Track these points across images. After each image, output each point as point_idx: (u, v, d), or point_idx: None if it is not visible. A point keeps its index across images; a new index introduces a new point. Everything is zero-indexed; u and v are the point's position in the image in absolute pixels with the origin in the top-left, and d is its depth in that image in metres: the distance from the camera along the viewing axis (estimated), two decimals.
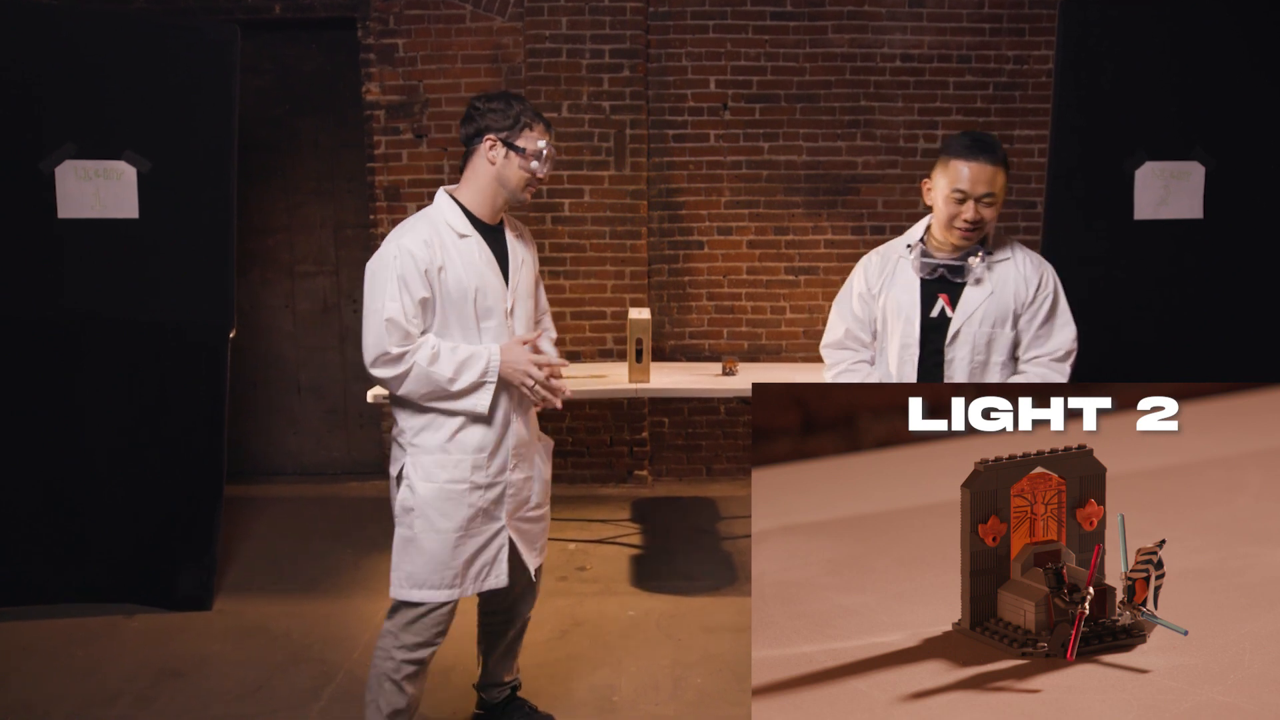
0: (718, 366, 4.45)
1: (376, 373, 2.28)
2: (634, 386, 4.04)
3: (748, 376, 4.30)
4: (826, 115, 4.99)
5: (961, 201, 2.28)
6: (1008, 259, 2.39)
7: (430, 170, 4.99)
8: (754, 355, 5.10)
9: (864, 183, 5.04)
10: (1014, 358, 2.40)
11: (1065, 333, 2.39)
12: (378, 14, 4.88)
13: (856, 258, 5.10)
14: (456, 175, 2.67)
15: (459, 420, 2.34)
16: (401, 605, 2.38)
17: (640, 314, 4.14)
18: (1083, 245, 3.52)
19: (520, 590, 2.60)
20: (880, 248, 2.56)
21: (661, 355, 5.06)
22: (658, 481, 5.22)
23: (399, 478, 2.37)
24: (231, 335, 3.59)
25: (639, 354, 4.02)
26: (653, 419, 5.17)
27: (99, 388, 3.55)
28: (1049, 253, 3.42)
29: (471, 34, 4.90)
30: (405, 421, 2.37)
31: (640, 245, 4.98)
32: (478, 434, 2.36)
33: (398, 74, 4.91)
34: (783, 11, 4.92)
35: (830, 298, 5.09)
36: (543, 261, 4.96)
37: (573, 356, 5.01)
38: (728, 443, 5.22)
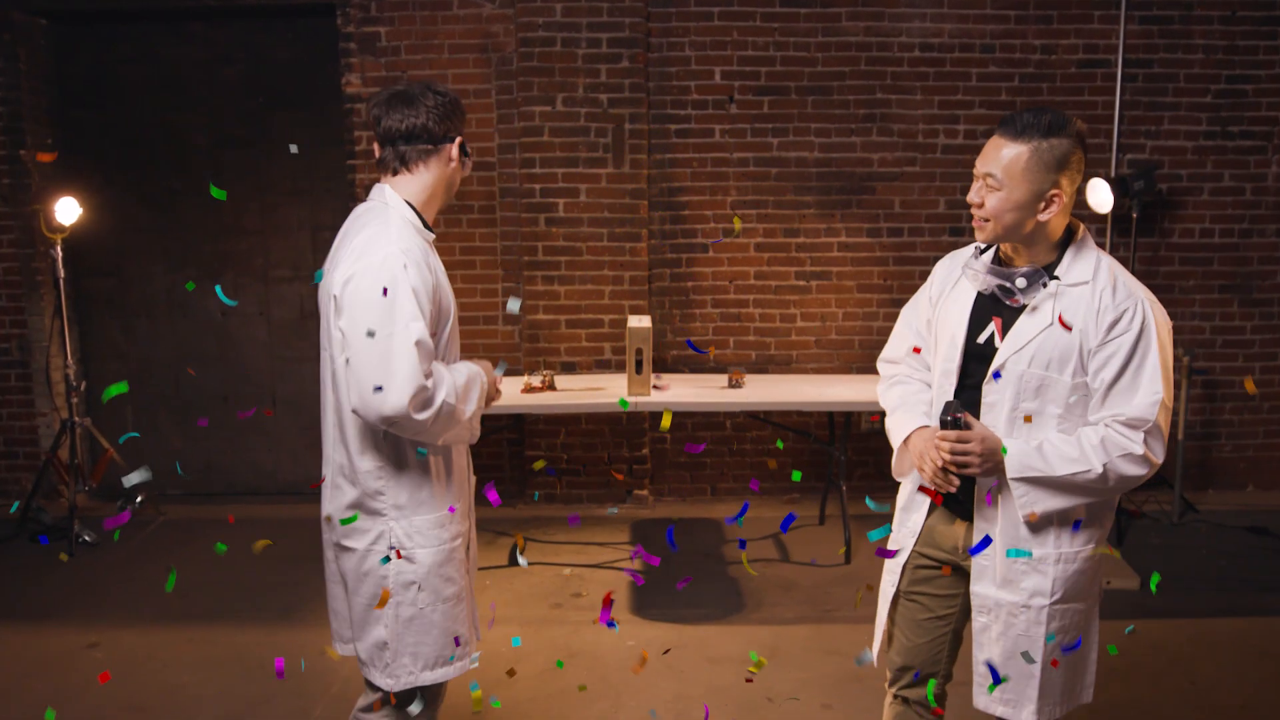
0: (723, 378, 4.48)
1: (417, 417, 1.98)
2: (634, 399, 4.06)
3: (755, 389, 4.33)
4: (840, 109, 5.02)
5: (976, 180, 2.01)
6: (1085, 283, 1.95)
7: None
8: (762, 366, 5.12)
9: (880, 181, 5.07)
10: (1080, 415, 1.98)
11: (1145, 394, 1.91)
12: (359, 0, 4.92)
13: (872, 261, 5.20)
14: None
15: (441, 463, 2.16)
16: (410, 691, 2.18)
17: (640, 322, 4.17)
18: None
19: None
20: (962, 248, 2.23)
21: (663, 366, 5.09)
22: (659, 502, 5.24)
23: (386, 551, 2.12)
24: None
25: (639, 365, 4.05)
26: (653, 434, 5.19)
27: None
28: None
29: (459, 22, 4.94)
30: (380, 479, 2.12)
31: (640, 248, 5.01)
32: (457, 476, 2.22)
33: (380, 65, 4.94)
34: None
35: (844, 304, 5.15)
36: (536, 265, 5.00)
37: (568, 368, 5.03)
38: (734, 460, 5.25)
